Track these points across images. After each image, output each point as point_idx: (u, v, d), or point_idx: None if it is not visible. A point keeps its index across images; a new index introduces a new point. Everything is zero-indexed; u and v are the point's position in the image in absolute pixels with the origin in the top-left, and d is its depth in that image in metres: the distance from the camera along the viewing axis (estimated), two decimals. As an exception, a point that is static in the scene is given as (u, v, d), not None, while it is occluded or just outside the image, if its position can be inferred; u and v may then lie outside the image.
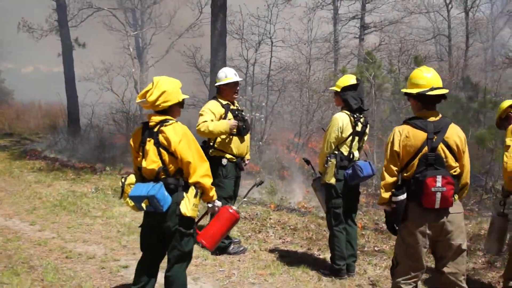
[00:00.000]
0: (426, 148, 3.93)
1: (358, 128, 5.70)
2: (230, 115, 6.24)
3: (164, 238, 4.32)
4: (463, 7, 28.87)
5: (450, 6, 30.22)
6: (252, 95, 15.60)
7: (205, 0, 21.23)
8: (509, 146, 5.03)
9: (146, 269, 4.46)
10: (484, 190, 9.45)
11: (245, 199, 4.66)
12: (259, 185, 5.57)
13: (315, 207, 9.06)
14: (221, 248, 6.23)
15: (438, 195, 3.82)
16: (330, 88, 6.25)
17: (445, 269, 4.04)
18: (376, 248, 6.80)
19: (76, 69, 19.34)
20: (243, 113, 6.51)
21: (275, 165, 12.56)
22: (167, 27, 21.16)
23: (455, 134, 4.00)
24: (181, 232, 4.20)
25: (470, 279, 5.80)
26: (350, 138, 5.64)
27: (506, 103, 5.48)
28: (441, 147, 3.94)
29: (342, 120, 5.60)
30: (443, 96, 4.06)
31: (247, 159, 6.64)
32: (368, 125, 5.90)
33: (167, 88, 4.15)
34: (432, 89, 3.99)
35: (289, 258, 6.33)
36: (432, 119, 4.01)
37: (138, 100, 4.22)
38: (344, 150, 5.65)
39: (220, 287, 5.43)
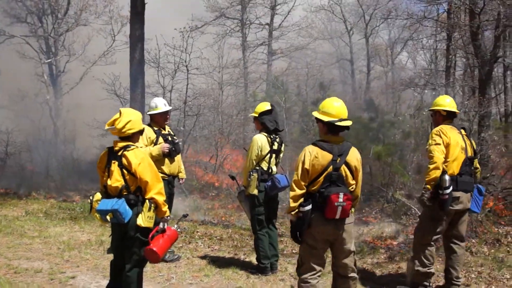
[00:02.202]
0: (331, 168, 4.72)
1: (275, 147, 6.72)
2: (161, 139, 7.01)
3: (125, 245, 5.09)
4: (363, 33, 31.01)
5: (351, 32, 32.42)
6: (170, 121, 16.31)
7: (117, 29, 21.74)
8: (438, 144, 5.65)
9: (116, 267, 5.24)
10: (385, 200, 10.73)
11: (176, 226, 5.49)
12: (185, 217, 6.27)
13: (236, 220, 9.98)
14: None
15: (339, 208, 4.66)
16: (250, 115, 7.25)
17: (340, 265, 4.94)
18: (293, 251, 7.79)
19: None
20: (174, 137, 7.31)
21: (195, 185, 13.36)
22: (81, 55, 21.41)
23: (354, 157, 4.85)
24: (140, 240, 5.01)
25: (374, 271, 6.96)
26: (268, 155, 6.66)
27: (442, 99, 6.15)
28: (343, 167, 4.77)
29: (260, 140, 6.61)
30: (347, 127, 4.90)
31: (182, 178, 7.52)
32: (283, 144, 6.93)
33: (131, 118, 5.01)
34: (340, 120, 4.81)
35: (219, 262, 7.21)
36: (336, 142, 4.83)
37: (107, 127, 5.02)
38: (264, 165, 6.64)
39: (162, 288, 6.20)
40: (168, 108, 7.25)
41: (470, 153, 5.86)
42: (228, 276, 6.62)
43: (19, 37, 20.42)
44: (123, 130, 4.97)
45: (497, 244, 7.75)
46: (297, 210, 4.77)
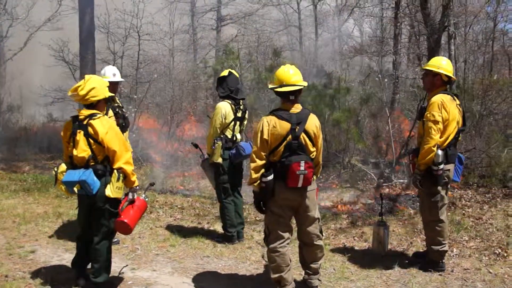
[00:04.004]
0: (290, 137, 4.72)
1: (239, 114, 6.66)
2: (110, 112, 6.50)
3: (93, 217, 4.97)
4: (311, 0, 30.96)
5: (299, -1, 32.34)
6: (121, 88, 15.96)
7: (64, -8, 20.94)
8: (437, 122, 5.41)
9: (83, 240, 5.15)
10: (341, 166, 10.90)
11: (144, 195, 5.42)
12: (152, 186, 6.16)
13: (195, 188, 9.94)
14: None
15: (301, 177, 4.68)
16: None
17: (305, 233, 4.99)
18: (257, 219, 7.83)
19: None
20: (123, 110, 6.90)
21: (149, 154, 13.17)
22: (25, 19, 20.53)
23: (313, 123, 4.85)
24: (109, 211, 4.91)
25: (338, 235, 7.08)
26: (233, 123, 6.59)
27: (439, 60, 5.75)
28: (302, 135, 4.77)
29: (224, 108, 6.54)
30: (292, 92, 4.80)
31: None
32: (247, 111, 6.88)
33: (96, 85, 4.85)
34: (281, 85, 4.79)
35: (183, 232, 7.18)
36: (294, 111, 4.82)
37: (70, 93, 4.84)
38: (228, 133, 6.59)
39: (128, 260, 6.11)
40: (118, 79, 6.74)
41: (460, 124, 5.70)
42: (195, 246, 6.61)
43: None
44: (86, 97, 4.83)
45: (453, 207, 8.03)
46: (259, 181, 4.77)
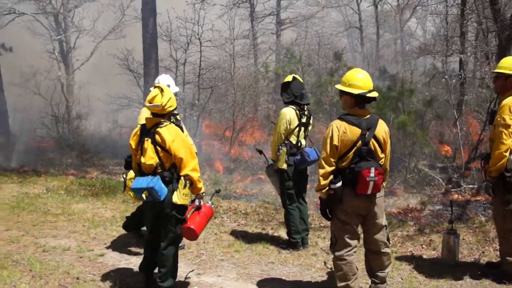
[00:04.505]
0: (360, 143, 4.61)
1: (303, 120, 6.60)
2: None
3: (160, 223, 5.05)
4: (372, 0, 30.49)
5: (359, -1, 31.91)
6: (184, 94, 16.25)
7: (126, 3, 21.55)
8: (509, 126, 5.14)
9: (151, 245, 5.25)
10: (407, 171, 10.65)
11: (210, 202, 5.45)
12: (218, 192, 6.22)
13: (258, 194, 9.95)
14: None
15: (371, 183, 4.57)
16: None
17: (372, 241, 4.88)
18: (321, 225, 7.74)
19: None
20: (177, 117, 6.80)
21: (212, 159, 13.33)
22: (91, 30, 21.34)
23: (382, 129, 4.74)
24: (176, 217, 4.98)
25: (405, 243, 6.91)
26: (297, 129, 6.54)
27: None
28: (372, 141, 4.67)
29: (289, 114, 6.49)
30: (375, 99, 4.83)
31: None
32: (312, 117, 6.82)
33: (171, 95, 5.00)
34: (370, 91, 4.71)
35: (248, 238, 7.18)
36: (363, 116, 4.71)
37: (148, 104, 4.94)
38: (293, 139, 6.54)
39: (193, 265, 6.16)
40: (173, 89, 6.51)
41: None
42: (259, 252, 6.59)
43: (29, 15, 20.33)
44: (166, 107, 4.93)
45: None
46: (327, 187, 4.69)
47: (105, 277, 5.71)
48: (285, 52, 22.03)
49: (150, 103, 4.93)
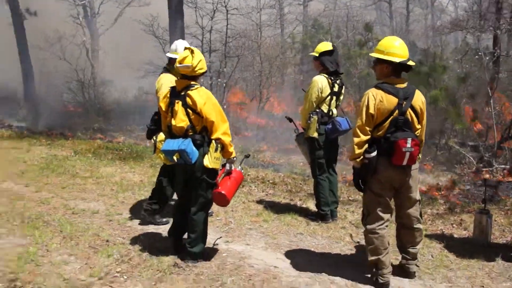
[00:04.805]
0: (396, 112, 4.49)
1: (335, 89, 6.45)
2: None
3: (191, 187, 4.99)
4: (402, -27, 29.85)
5: (390, -29, 31.20)
6: (210, 62, 16.13)
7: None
8: None
9: (181, 210, 5.22)
10: (437, 147, 10.44)
11: (240, 167, 5.37)
12: (247, 157, 6.06)
13: (286, 164, 9.85)
14: None
15: (407, 154, 4.44)
16: (310, 54, 6.93)
17: (404, 215, 4.79)
18: (350, 198, 7.66)
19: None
20: None
21: (239, 128, 13.26)
22: (114, -4, 21.29)
23: (419, 99, 4.61)
24: (206, 182, 4.90)
25: (435, 221, 6.79)
26: (329, 97, 6.40)
27: None
28: (409, 111, 4.54)
29: (321, 82, 6.35)
30: (411, 68, 4.67)
31: None
32: (344, 87, 6.67)
33: (202, 57, 4.86)
34: (408, 59, 4.57)
35: (276, 208, 7.11)
36: (400, 85, 4.57)
37: (178, 65, 4.83)
38: (324, 108, 6.40)
39: (221, 232, 6.12)
40: None
41: None
42: (287, 222, 6.52)
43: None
44: (196, 69, 4.83)
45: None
46: (361, 157, 4.59)
47: (134, 240, 5.70)
48: (312, 23, 21.71)
49: (181, 63, 4.83)
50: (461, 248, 5.79)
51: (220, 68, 15.74)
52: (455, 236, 6.26)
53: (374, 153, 4.53)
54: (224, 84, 14.89)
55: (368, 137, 4.56)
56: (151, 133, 5.79)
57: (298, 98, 14.07)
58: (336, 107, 6.59)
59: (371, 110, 4.49)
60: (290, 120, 7.06)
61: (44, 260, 5.01)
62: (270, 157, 10.69)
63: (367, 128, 4.54)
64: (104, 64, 20.36)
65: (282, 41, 21.26)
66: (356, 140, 4.57)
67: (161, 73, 6.35)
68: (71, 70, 17.98)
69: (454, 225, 6.65)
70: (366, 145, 4.58)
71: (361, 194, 4.91)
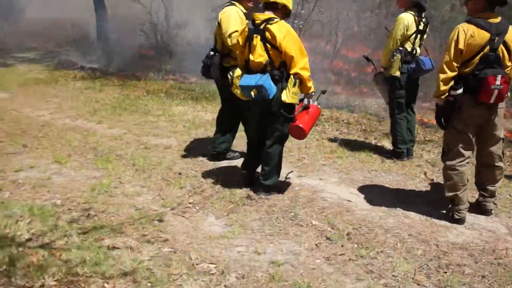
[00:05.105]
0: (487, 48, 4.30)
1: (421, 27, 6.23)
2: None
3: (267, 122, 5.00)
4: None
5: None
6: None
7: None
8: None
9: (255, 144, 5.28)
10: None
11: (316, 102, 5.26)
12: (324, 93, 5.87)
13: (361, 106, 9.68)
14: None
15: (496, 92, 4.28)
16: None
17: (486, 153, 4.67)
18: (426, 139, 7.50)
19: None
20: None
21: (313, 71, 13.04)
22: None
23: None
24: (284, 116, 4.89)
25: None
26: (414, 35, 6.19)
27: None
28: (500, 47, 4.33)
29: (407, 19, 6.13)
30: (506, 2, 4.38)
31: None
32: (429, 25, 6.43)
33: None
34: None
35: (350, 145, 7.07)
36: (493, 20, 4.34)
37: None
38: (408, 46, 6.21)
39: (294, 167, 6.17)
40: None
41: None
42: (362, 159, 6.49)
43: None
44: None
45: None
46: (446, 94, 4.44)
47: (206, 173, 5.81)
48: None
49: None
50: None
51: (297, 9, 15.39)
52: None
53: (461, 90, 4.39)
54: (301, 26, 14.55)
55: (455, 73, 4.41)
56: (206, 68, 5.79)
57: (378, 40, 13.61)
58: (420, 46, 6.38)
59: (461, 45, 4.32)
60: (368, 59, 6.90)
61: (117, 191, 5.21)
62: (344, 100, 10.50)
63: (455, 64, 4.39)
64: (177, 6, 20.31)
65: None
66: (442, 76, 4.43)
67: (225, 5, 5.88)
68: (144, 13, 18.07)
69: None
70: (452, 82, 4.43)
71: (438, 134, 4.77)
